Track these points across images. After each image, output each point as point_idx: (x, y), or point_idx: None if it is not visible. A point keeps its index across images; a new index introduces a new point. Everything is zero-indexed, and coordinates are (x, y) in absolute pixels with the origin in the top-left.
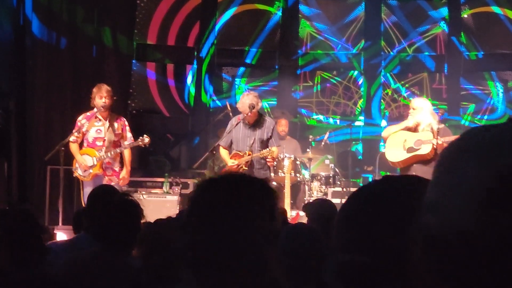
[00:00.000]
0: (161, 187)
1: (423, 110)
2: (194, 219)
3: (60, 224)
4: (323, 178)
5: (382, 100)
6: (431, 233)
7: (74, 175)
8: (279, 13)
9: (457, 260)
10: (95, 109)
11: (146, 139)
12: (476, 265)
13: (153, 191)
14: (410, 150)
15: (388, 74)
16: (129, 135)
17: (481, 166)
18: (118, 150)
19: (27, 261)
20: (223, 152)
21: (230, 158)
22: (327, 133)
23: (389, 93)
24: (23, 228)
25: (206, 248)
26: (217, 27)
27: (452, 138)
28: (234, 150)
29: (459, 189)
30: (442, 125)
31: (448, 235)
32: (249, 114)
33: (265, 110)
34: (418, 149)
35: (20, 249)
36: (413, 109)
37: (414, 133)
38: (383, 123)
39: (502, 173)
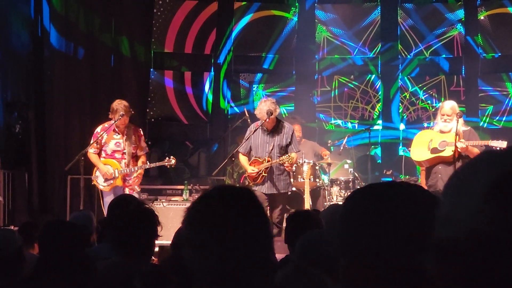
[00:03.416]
0: (180, 195)
1: (455, 114)
2: (191, 235)
3: None
4: (343, 183)
5: (400, 104)
6: (446, 246)
7: (93, 183)
8: (295, 19)
9: (474, 268)
10: (112, 121)
11: (173, 160)
12: (493, 268)
13: (173, 198)
14: (434, 150)
15: (405, 78)
16: (144, 145)
17: (490, 171)
18: (143, 167)
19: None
20: (242, 159)
21: (250, 165)
22: (346, 137)
23: (407, 97)
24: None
25: (205, 261)
26: (234, 34)
27: (479, 143)
28: (253, 157)
29: (470, 196)
30: (468, 127)
31: (463, 243)
32: (267, 120)
33: (283, 116)
34: (442, 150)
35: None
36: (448, 115)
37: (441, 134)
38: (402, 126)
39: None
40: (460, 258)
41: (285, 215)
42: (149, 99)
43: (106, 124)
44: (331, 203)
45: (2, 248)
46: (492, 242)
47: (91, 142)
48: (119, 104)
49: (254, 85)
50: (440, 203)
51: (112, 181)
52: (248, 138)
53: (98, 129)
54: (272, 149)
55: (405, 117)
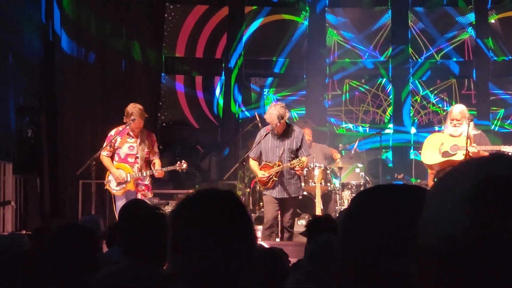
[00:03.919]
0: None
1: (465, 118)
2: (173, 238)
3: None
4: (354, 187)
5: (411, 107)
6: (426, 252)
7: (105, 188)
8: (306, 23)
9: (453, 274)
10: (127, 126)
11: (184, 164)
12: (472, 274)
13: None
14: (445, 154)
15: (416, 81)
16: (157, 150)
17: (470, 177)
18: (154, 172)
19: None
20: (253, 163)
21: (260, 169)
22: (357, 141)
23: (418, 100)
24: (79, 243)
25: (186, 265)
26: (245, 38)
27: (491, 148)
28: (263, 161)
29: (450, 202)
30: (478, 131)
31: (442, 248)
32: (278, 124)
33: (294, 120)
34: (453, 154)
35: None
36: (457, 120)
37: (452, 137)
38: (413, 130)
39: (489, 181)
40: (439, 264)
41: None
42: (160, 103)
43: (120, 128)
44: (343, 207)
45: (8, 251)
46: (469, 248)
47: (105, 145)
48: (133, 108)
49: (265, 89)
50: (423, 209)
51: (124, 185)
52: (258, 143)
53: (112, 132)
54: (282, 153)
55: (416, 120)
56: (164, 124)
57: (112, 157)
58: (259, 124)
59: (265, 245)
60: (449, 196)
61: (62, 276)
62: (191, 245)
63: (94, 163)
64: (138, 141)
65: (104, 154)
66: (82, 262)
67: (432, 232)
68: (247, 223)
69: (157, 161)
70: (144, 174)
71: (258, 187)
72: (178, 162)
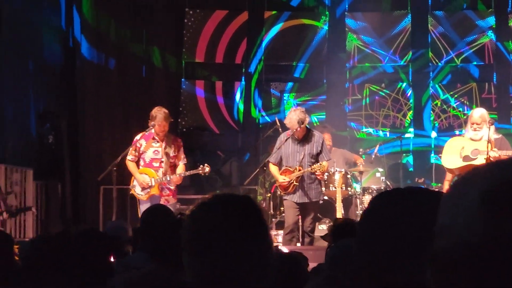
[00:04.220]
0: None
1: (485, 122)
2: (188, 241)
3: None
4: (375, 191)
5: (431, 111)
6: (441, 257)
7: (130, 193)
8: (326, 27)
9: (468, 279)
10: (152, 130)
11: (207, 168)
12: (487, 279)
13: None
14: (466, 158)
15: (436, 85)
16: (183, 155)
17: (483, 182)
18: (177, 176)
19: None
20: (273, 168)
21: (281, 174)
22: (377, 146)
23: (438, 104)
24: (93, 247)
25: (200, 268)
26: (264, 43)
27: None
28: (284, 166)
29: (465, 207)
30: (499, 135)
31: (457, 254)
32: (298, 129)
33: (314, 125)
34: (474, 159)
35: (89, 268)
36: (477, 124)
37: (473, 141)
38: (433, 134)
39: (504, 185)
40: (455, 270)
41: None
42: (180, 109)
43: (146, 133)
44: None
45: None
46: (483, 253)
47: (130, 149)
48: (158, 111)
49: (285, 94)
50: (438, 213)
51: (149, 190)
52: (278, 148)
53: (138, 136)
54: (302, 158)
55: (436, 124)
56: (184, 130)
57: (138, 162)
58: (279, 129)
59: (285, 249)
60: (464, 200)
61: (79, 281)
62: (204, 248)
63: (115, 168)
64: (163, 145)
65: (129, 159)
66: (98, 267)
67: (447, 237)
68: (261, 228)
69: (179, 166)
70: (168, 179)
71: (278, 192)
72: (201, 166)
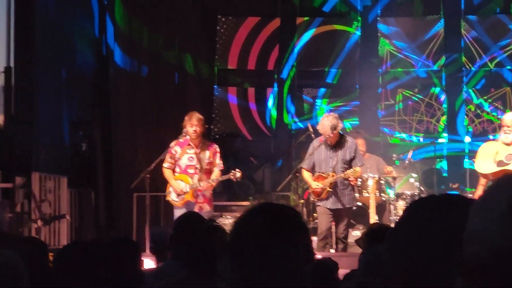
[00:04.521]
0: None
1: None
2: (236, 246)
3: (147, 251)
4: (409, 197)
5: (465, 116)
6: (472, 262)
7: (166, 199)
8: (358, 33)
9: (498, 284)
10: (187, 136)
11: (238, 173)
12: None
13: (238, 215)
14: (500, 163)
15: (470, 90)
16: (219, 162)
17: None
18: (211, 182)
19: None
20: (306, 175)
21: (314, 180)
22: (411, 151)
23: (472, 109)
24: (122, 255)
25: (247, 273)
26: (297, 49)
27: None
28: (317, 172)
29: (494, 213)
30: None
31: (487, 259)
32: (331, 135)
33: (347, 130)
34: (508, 164)
35: (120, 276)
36: (507, 126)
37: (507, 146)
38: (467, 139)
39: None
40: (485, 274)
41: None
42: (213, 115)
43: (181, 140)
44: (398, 218)
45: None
46: None
47: (165, 157)
48: (192, 117)
49: (317, 100)
50: (468, 220)
51: (183, 196)
52: (311, 154)
53: (173, 143)
54: (336, 164)
55: (470, 129)
56: (217, 136)
57: (174, 169)
58: (312, 135)
59: (318, 256)
60: (496, 206)
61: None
62: (245, 255)
63: (148, 175)
64: (198, 151)
65: (165, 166)
66: (128, 275)
67: (478, 243)
68: (304, 238)
69: (215, 172)
70: (201, 184)
71: (311, 198)
72: (232, 171)
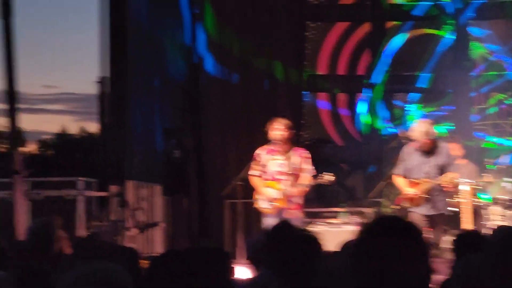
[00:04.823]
0: (337, 217)
1: None
2: (359, 254)
3: (239, 258)
4: (503, 202)
5: None
6: None
7: (255, 206)
8: (450, 36)
9: None
10: (274, 143)
11: (330, 177)
12: None
13: (329, 221)
14: None
15: None
16: (309, 167)
17: None
18: (302, 187)
19: None
20: (399, 181)
21: (407, 187)
22: (506, 155)
23: None
24: (214, 265)
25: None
26: (387, 53)
27: None
28: (409, 178)
29: None
30: None
31: None
32: (424, 141)
33: (440, 135)
34: None
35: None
36: None
37: None
38: None
39: None
40: None
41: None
42: (302, 121)
43: (267, 147)
44: (492, 223)
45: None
46: None
47: (252, 164)
48: (278, 123)
49: (409, 105)
50: None
51: (274, 204)
52: (404, 160)
53: (259, 151)
54: (429, 170)
55: None
56: (307, 143)
57: (261, 176)
58: (404, 141)
59: None
60: None
61: None
62: (363, 268)
63: (239, 182)
64: (286, 157)
65: (252, 174)
66: (219, 285)
67: None
68: (422, 254)
69: (304, 177)
70: (292, 189)
71: (404, 205)
72: (322, 175)
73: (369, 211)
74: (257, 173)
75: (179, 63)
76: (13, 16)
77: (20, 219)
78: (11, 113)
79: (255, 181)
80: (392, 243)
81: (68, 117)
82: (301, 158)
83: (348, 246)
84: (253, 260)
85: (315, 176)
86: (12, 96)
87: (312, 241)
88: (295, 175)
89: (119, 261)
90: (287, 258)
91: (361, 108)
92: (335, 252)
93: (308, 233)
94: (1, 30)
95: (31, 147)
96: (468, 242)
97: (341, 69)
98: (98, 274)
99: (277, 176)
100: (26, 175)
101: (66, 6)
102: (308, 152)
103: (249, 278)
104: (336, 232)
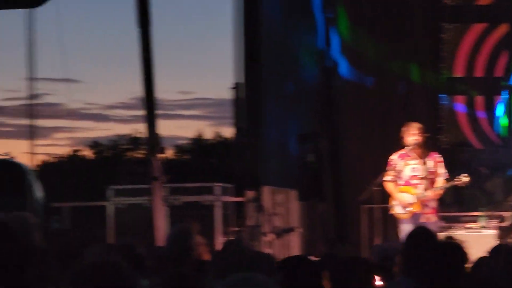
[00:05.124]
0: (476, 222)
1: None
2: None
3: None
4: None
5: None
6: None
7: (390, 212)
8: None
9: None
10: (407, 147)
11: (465, 178)
12: None
13: (469, 225)
14: None
15: None
16: (443, 171)
17: None
18: (437, 190)
19: None
20: None
21: None
22: None
23: None
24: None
25: None
26: None
27: None
28: None
29: None
30: None
31: None
32: None
33: None
34: None
35: None
36: None
37: None
38: None
39: None
40: None
41: None
42: (440, 125)
43: (401, 152)
44: None
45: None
46: None
47: (387, 170)
48: (410, 127)
49: None
50: None
51: (410, 208)
52: None
53: (393, 156)
54: None
55: None
56: (445, 147)
57: (396, 182)
58: None
59: None
60: None
61: None
62: None
63: (376, 188)
64: (421, 161)
65: (387, 180)
66: None
67: None
68: None
69: (439, 181)
70: (428, 193)
71: None
72: (457, 177)
73: (508, 214)
74: (391, 178)
75: (313, 67)
76: (150, 25)
77: (159, 224)
78: (150, 119)
79: (389, 187)
80: None
81: (203, 122)
82: (435, 162)
83: (499, 250)
84: (382, 268)
85: (448, 179)
86: (150, 103)
87: (457, 248)
88: (430, 179)
89: (259, 268)
90: (429, 267)
91: (499, 110)
92: (482, 258)
93: (453, 242)
94: (140, 39)
95: (168, 153)
96: None
97: (479, 71)
98: (251, 283)
99: (412, 180)
100: (165, 181)
101: (200, 14)
102: (441, 156)
103: (383, 285)
104: (476, 236)
